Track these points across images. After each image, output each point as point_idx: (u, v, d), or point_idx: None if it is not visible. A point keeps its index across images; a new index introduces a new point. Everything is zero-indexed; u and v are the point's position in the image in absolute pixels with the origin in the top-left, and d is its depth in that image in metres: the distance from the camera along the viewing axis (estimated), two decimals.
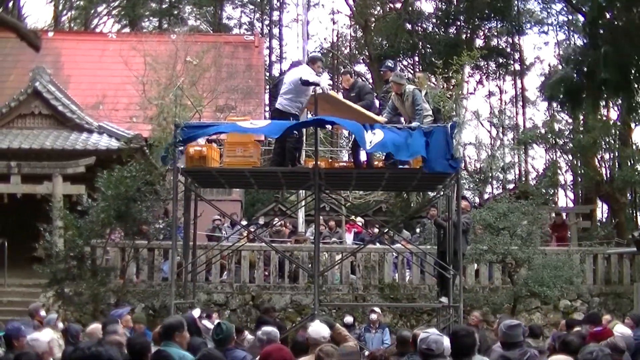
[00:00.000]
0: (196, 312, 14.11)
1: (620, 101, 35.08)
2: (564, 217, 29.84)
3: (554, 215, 28.06)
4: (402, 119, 16.38)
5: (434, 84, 16.83)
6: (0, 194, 24.32)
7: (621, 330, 11.43)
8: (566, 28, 43.61)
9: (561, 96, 33.94)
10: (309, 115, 18.07)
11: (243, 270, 23.51)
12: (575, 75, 32.98)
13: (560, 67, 40.08)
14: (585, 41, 34.54)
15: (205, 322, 16.04)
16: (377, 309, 19.71)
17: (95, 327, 11.38)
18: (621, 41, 29.76)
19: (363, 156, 16.76)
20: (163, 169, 20.95)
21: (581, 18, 36.46)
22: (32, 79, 27.30)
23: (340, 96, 16.12)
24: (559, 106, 37.75)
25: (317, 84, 15.72)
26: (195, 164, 16.50)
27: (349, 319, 19.45)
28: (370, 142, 14.85)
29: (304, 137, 21.26)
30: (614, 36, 30.50)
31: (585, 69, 32.01)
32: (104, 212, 19.95)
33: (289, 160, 16.16)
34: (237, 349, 9.25)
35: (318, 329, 9.71)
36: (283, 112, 15.84)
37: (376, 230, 26.05)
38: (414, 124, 15.37)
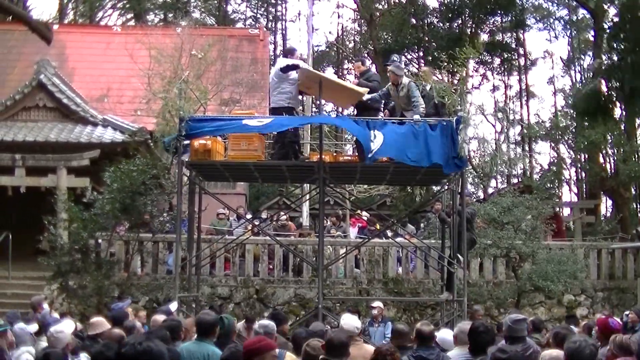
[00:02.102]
0: (173, 306, 14.15)
1: None
2: (556, 209, 29.81)
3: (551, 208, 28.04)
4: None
5: (438, 78, 16.87)
6: (5, 186, 24.34)
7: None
8: (570, 27, 43.67)
9: (592, 110, 34.08)
10: (313, 109, 18.12)
11: (247, 264, 23.54)
12: (604, 87, 33.24)
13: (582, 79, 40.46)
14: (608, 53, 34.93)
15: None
16: (378, 304, 19.67)
17: (100, 320, 11.38)
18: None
19: None
20: (168, 162, 20.96)
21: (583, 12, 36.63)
22: (36, 72, 27.31)
23: (322, 73, 16.33)
24: (589, 121, 37.70)
25: (295, 66, 16.03)
26: (199, 157, 16.51)
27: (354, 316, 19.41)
28: (372, 151, 14.93)
29: (309, 131, 21.30)
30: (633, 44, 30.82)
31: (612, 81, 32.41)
32: (109, 205, 19.96)
33: (292, 154, 16.22)
34: (237, 345, 9.26)
35: (349, 320, 9.71)
36: (277, 108, 16.16)
37: (378, 225, 26.06)
38: (416, 117, 15.48)
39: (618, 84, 33.04)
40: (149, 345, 4.71)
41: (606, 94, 34.87)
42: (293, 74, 16.12)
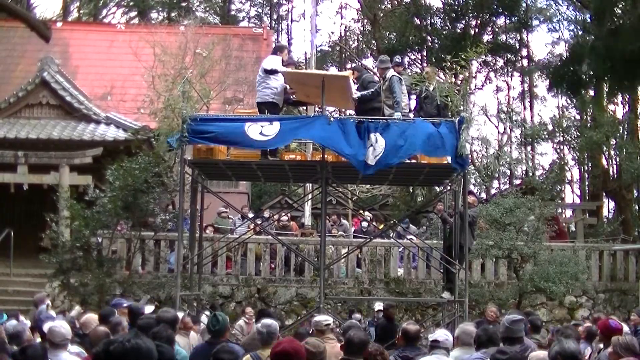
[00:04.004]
0: (148, 308, 14.16)
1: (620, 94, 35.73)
2: (559, 210, 29.82)
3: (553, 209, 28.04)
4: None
5: (442, 78, 16.87)
6: (7, 183, 24.34)
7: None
8: (574, 25, 43.62)
9: (565, 86, 34.64)
10: (316, 109, 18.14)
11: (249, 263, 23.56)
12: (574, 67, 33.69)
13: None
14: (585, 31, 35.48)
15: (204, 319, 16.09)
16: (380, 304, 19.68)
17: (90, 316, 11.40)
18: (624, 35, 30.23)
19: None
20: (170, 161, 20.98)
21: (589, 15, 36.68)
22: (40, 69, 27.31)
23: (303, 70, 16.47)
24: (562, 96, 38.31)
25: (275, 71, 16.10)
26: (202, 156, 16.53)
27: (357, 316, 19.45)
28: (375, 157, 14.89)
29: None
30: (615, 31, 31.09)
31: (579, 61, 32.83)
32: (111, 202, 19.94)
33: (265, 152, 16.24)
34: (230, 343, 9.25)
35: (320, 318, 9.69)
36: (261, 103, 16.31)
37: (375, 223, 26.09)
38: (395, 115, 15.50)
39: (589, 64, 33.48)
40: (137, 343, 4.66)
41: (579, 72, 35.37)
42: (277, 74, 16.22)
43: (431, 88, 16.52)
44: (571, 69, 35.36)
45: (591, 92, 36.50)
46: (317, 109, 18.73)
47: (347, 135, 15.18)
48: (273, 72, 16.08)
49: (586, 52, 31.94)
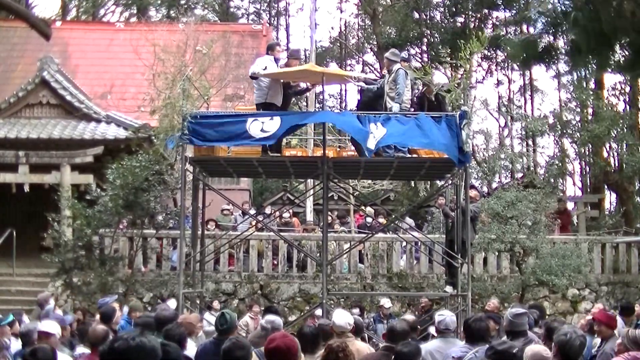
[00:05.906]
0: (172, 304, 14.17)
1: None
2: (566, 204, 29.82)
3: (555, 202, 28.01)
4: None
5: (442, 73, 16.91)
6: (9, 184, 24.35)
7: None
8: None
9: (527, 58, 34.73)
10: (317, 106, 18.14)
11: (251, 260, 23.53)
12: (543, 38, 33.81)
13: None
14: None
15: (207, 316, 16.13)
16: (387, 302, 19.68)
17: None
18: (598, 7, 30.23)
19: None
20: (171, 159, 20.95)
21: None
22: (39, 69, 27.30)
23: (279, 69, 16.43)
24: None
25: (255, 74, 16.10)
26: (203, 153, 16.52)
27: (355, 311, 19.47)
28: (375, 138, 14.88)
29: (312, 127, 21.28)
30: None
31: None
32: (112, 201, 19.94)
33: (269, 148, 16.25)
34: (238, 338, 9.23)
35: (342, 316, 9.68)
36: (257, 104, 16.43)
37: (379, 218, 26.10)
38: (394, 107, 15.52)
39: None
40: (142, 341, 4.66)
41: (549, 43, 35.32)
42: (268, 70, 16.09)
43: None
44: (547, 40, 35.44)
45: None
46: (317, 105, 18.69)
47: (348, 119, 15.29)
48: (253, 75, 16.13)
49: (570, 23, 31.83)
